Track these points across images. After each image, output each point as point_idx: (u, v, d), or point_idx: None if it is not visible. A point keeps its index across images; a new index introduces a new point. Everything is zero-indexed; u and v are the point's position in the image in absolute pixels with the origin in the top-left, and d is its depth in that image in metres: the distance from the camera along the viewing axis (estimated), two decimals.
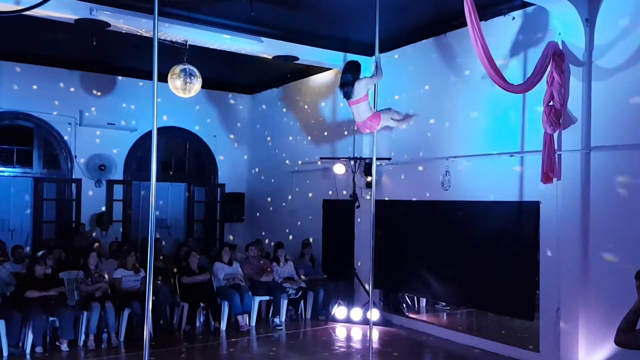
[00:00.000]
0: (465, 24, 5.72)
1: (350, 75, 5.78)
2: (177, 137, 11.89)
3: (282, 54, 8.67)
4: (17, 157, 10.41)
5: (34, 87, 10.29)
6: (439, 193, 8.09)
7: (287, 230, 11.05)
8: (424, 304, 9.69)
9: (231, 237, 12.11)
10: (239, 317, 8.51)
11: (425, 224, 8.29)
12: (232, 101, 12.57)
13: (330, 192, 9.96)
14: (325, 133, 10.33)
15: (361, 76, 5.83)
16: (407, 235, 8.57)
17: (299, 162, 10.97)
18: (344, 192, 9.47)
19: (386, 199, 8.92)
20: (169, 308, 8.39)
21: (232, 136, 12.57)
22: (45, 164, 10.61)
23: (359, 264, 9.32)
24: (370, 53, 8.67)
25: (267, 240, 11.29)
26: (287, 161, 11.34)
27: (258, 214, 12.20)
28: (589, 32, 6.24)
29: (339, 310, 9.04)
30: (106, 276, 8.06)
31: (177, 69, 7.56)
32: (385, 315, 8.97)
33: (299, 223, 10.91)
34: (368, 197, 8.81)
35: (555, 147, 6.35)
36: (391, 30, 7.83)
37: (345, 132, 9.78)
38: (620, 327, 2.97)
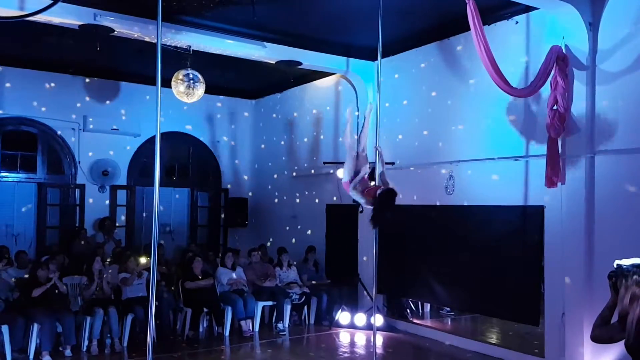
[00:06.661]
0: (468, 29, 5.71)
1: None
2: (180, 142, 11.90)
3: (285, 59, 8.67)
4: (21, 163, 10.43)
5: (38, 92, 10.31)
6: (442, 197, 8.07)
7: (291, 236, 11.03)
8: (428, 310, 9.64)
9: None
10: (242, 323, 8.49)
11: (429, 229, 8.26)
12: (235, 106, 12.58)
13: (334, 198, 9.93)
14: (329, 137, 10.31)
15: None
16: (410, 240, 8.53)
17: (303, 166, 10.96)
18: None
19: None
20: (172, 313, 8.36)
21: (235, 141, 12.58)
22: (49, 170, 10.63)
23: (362, 269, 9.29)
24: (374, 58, 8.70)
25: (269, 244, 11.26)
26: (290, 166, 11.34)
27: (261, 219, 12.18)
28: (592, 36, 6.22)
29: (342, 316, 9.01)
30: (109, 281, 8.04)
31: (181, 74, 7.59)
32: (389, 320, 8.93)
33: (302, 228, 10.89)
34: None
35: (560, 152, 6.33)
36: (394, 35, 7.83)
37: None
38: (595, 323, 3.12)
